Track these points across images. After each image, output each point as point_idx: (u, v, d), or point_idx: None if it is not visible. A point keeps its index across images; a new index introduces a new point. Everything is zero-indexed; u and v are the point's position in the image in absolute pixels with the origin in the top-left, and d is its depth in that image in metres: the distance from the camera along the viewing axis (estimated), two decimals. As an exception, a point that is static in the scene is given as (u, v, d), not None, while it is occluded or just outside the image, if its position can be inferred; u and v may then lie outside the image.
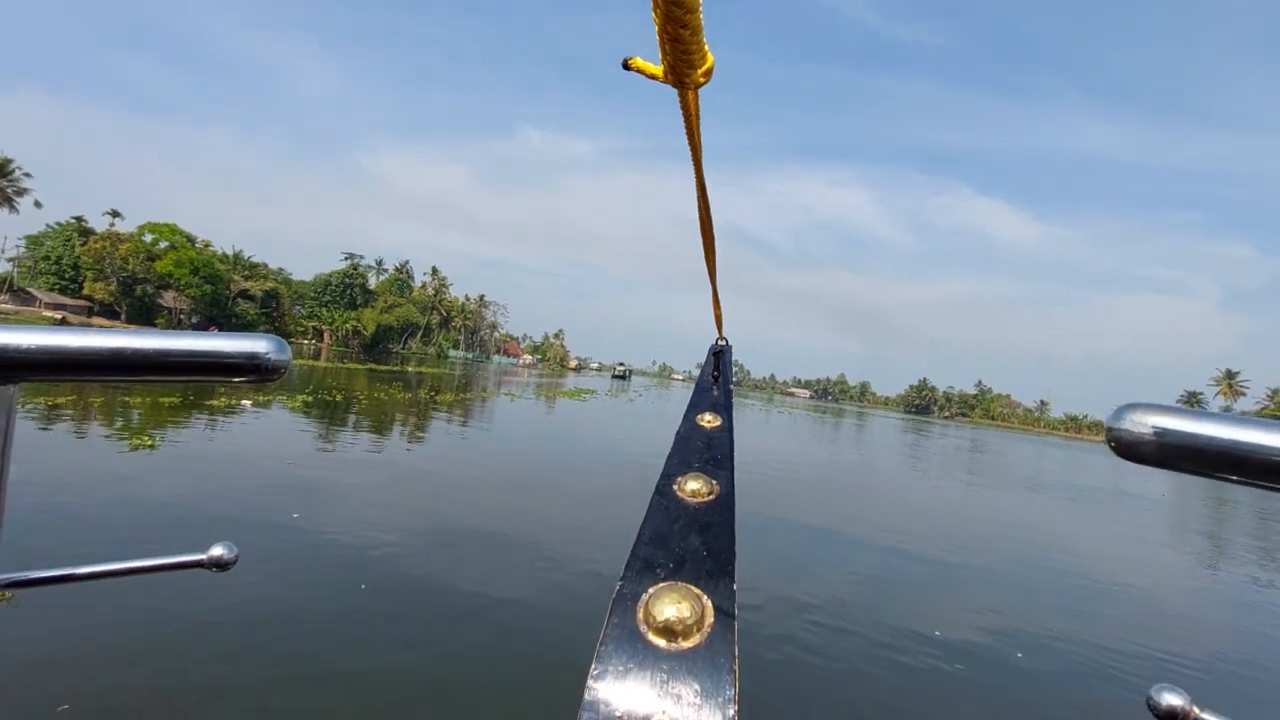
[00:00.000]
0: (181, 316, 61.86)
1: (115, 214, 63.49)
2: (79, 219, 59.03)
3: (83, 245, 55.82)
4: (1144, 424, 0.38)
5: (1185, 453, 0.37)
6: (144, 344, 0.54)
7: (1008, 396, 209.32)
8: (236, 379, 0.56)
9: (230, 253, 69.40)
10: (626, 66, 0.49)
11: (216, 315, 64.45)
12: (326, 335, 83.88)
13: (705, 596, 0.44)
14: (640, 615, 0.42)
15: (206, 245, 65.25)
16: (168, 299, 60.94)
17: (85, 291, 57.27)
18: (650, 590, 0.44)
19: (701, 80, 0.47)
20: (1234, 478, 0.36)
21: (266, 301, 74.40)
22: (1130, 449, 0.38)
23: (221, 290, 63.83)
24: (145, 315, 60.09)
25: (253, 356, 0.56)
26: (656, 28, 0.43)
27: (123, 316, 59.24)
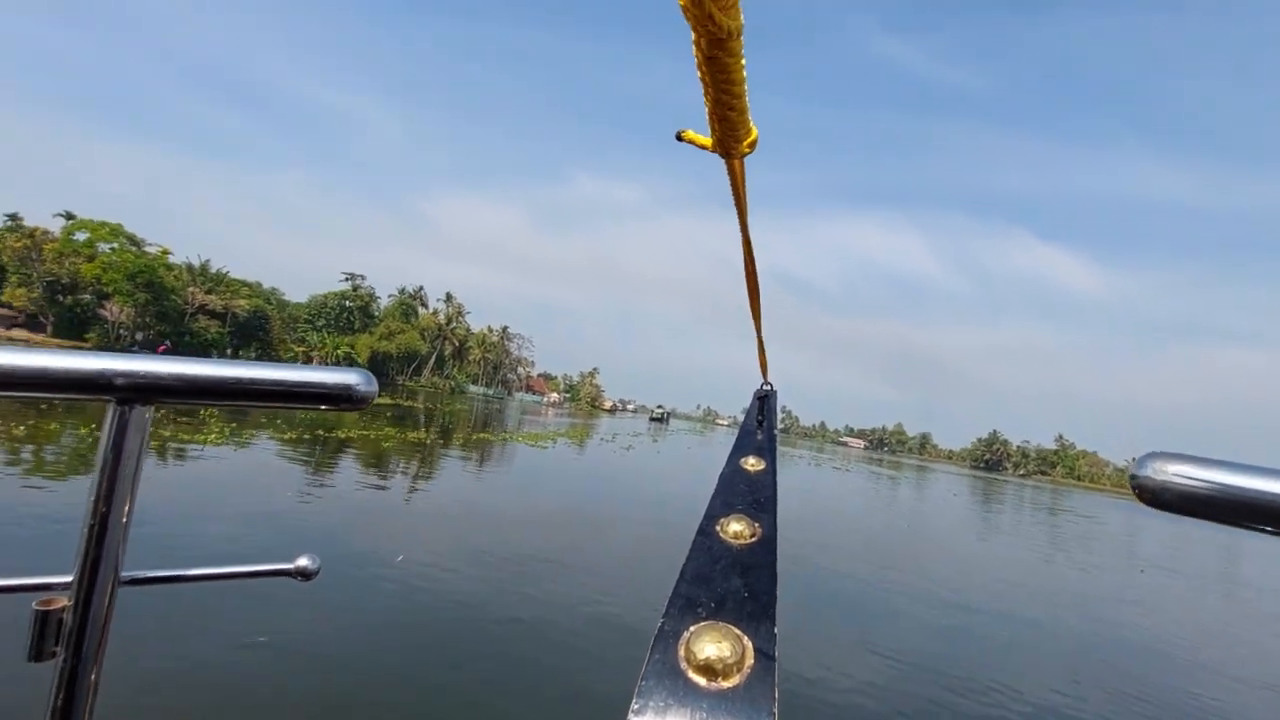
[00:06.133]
0: (122, 331, 52.80)
1: (69, 216, 55.76)
2: (13, 216, 51.23)
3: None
4: (1166, 472, 0.37)
5: (1206, 501, 0.36)
6: (261, 374, 0.62)
7: (1094, 454, 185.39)
8: (331, 407, 0.64)
9: (197, 263, 60.69)
10: (679, 138, 0.54)
11: (168, 333, 55.28)
12: (315, 362, 74.31)
13: (746, 637, 0.43)
14: (681, 653, 0.42)
15: (164, 253, 56.62)
16: (112, 310, 52.16)
17: (5, 298, 48.87)
18: (691, 629, 0.44)
19: (747, 151, 0.52)
20: (1261, 527, 0.36)
21: (251, 322, 65.53)
22: (1154, 496, 0.38)
23: (173, 303, 54.71)
24: (76, 329, 51.20)
25: (347, 388, 0.63)
26: (707, 109, 0.47)
27: (49, 330, 50.49)
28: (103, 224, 51.48)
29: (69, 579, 0.59)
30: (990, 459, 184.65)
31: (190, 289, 56.99)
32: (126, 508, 0.60)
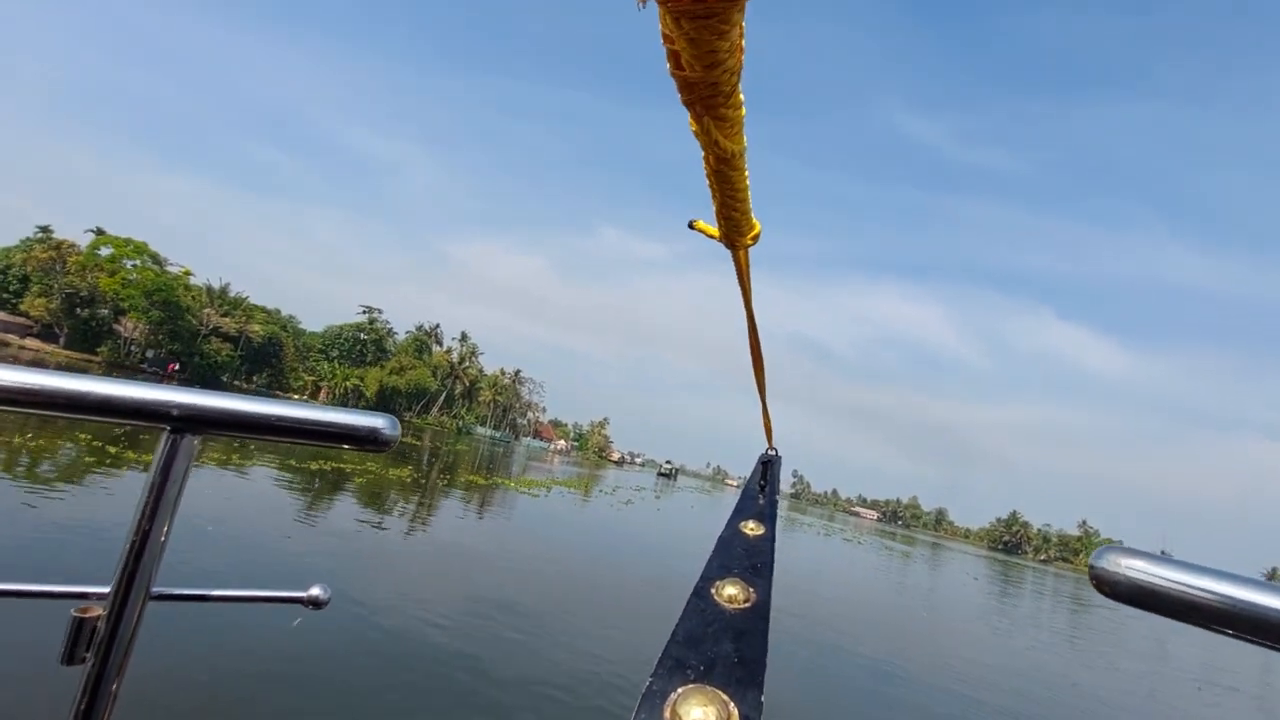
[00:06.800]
0: (134, 347, 52.72)
1: (99, 232, 56.83)
2: (44, 229, 52.19)
3: (24, 253, 48.12)
4: (1120, 565, 0.39)
5: (1153, 595, 0.38)
6: (297, 413, 0.67)
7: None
8: (355, 448, 0.68)
9: (217, 286, 61.18)
10: (691, 227, 0.60)
11: (179, 352, 55.18)
12: (324, 393, 73.92)
13: (732, 704, 0.43)
14: (667, 715, 0.42)
15: (186, 273, 57.18)
16: (126, 326, 52.28)
17: (24, 307, 49.20)
18: (679, 691, 0.44)
19: (750, 243, 0.58)
20: (1208, 625, 0.37)
21: (264, 348, 65.51)
22: (1111, 588, 0.40)
23: (187, 324, 54.79)
24: (89, 342, 51.20)
25: (373, 431, 0.67)
26: (714, 208, 0.54)
27: (61, 341, 50.55)
28: (128, 241, 52.22)
29: (106, 590, 0.61)
30: (1009, 541, 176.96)
31: (206, 310, 57.20)
32: (166, 528, 0.63)
